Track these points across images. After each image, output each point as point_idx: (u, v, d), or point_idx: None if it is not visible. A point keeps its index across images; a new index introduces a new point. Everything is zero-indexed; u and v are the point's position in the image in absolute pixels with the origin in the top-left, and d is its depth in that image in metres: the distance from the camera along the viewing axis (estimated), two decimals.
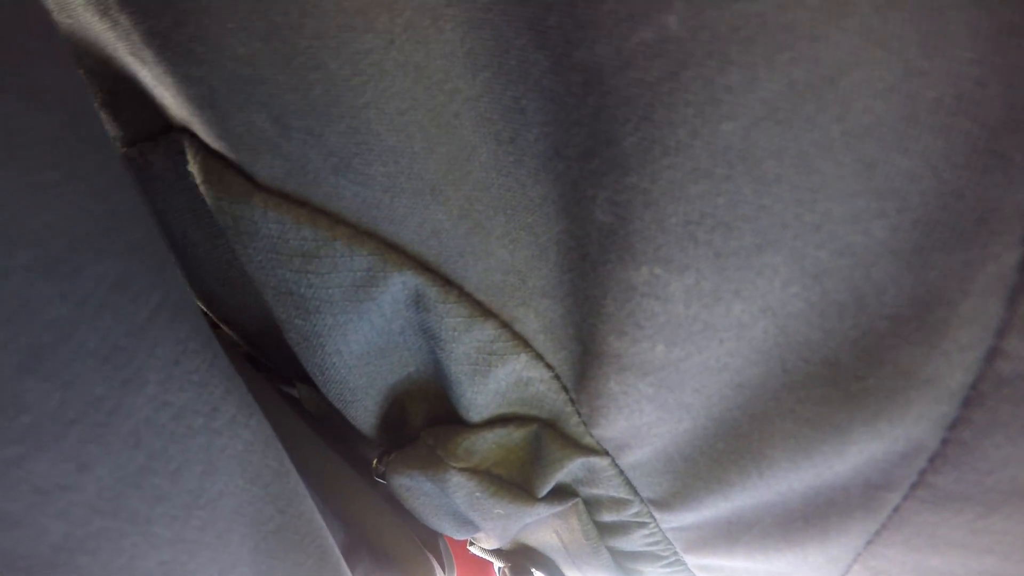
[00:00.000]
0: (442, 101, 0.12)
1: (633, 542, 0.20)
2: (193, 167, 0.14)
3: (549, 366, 0.15)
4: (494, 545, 0.24)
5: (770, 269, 0.12)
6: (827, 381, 0.13)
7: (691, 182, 0.11)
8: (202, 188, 0.14)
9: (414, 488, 0.18)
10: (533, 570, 0.26)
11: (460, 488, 0.17)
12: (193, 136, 0.13)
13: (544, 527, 0.23)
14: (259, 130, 0.13)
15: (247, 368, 0.19)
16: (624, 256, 0.13)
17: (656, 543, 0.20)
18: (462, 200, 0.13)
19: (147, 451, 0.10)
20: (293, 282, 0.14)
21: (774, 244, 0.12)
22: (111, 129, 0.15)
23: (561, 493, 0.19)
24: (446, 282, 0.14)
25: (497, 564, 0.26)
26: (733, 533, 0.18)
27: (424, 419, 0.18)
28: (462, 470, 0.17)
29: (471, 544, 0.26)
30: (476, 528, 0.21)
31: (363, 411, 0.17)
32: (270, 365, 0.21)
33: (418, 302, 0.14)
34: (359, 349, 0.15)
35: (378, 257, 0.13)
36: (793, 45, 0.10)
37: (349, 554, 0.18)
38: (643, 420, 0.15)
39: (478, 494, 0.17)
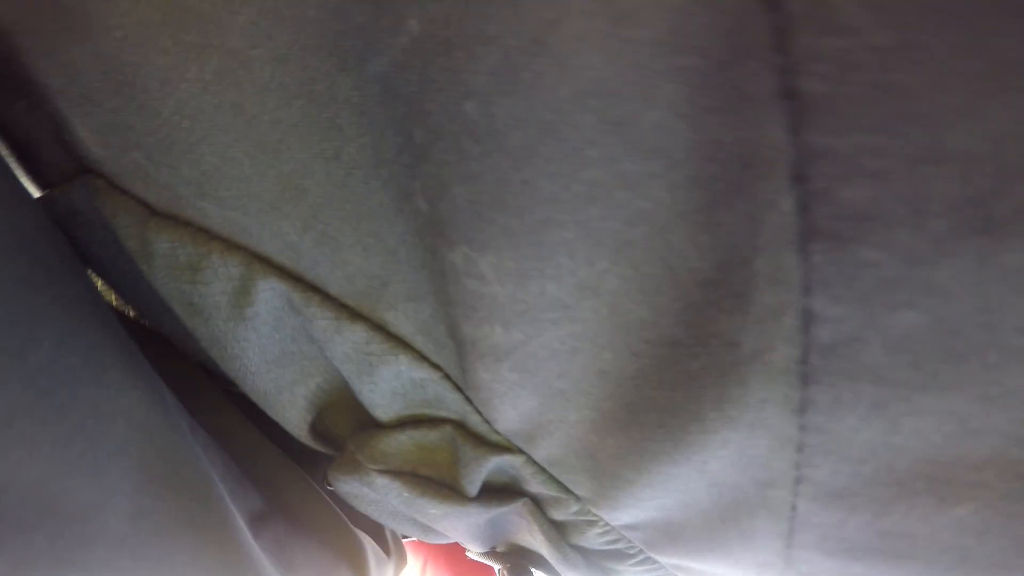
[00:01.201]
0: (264, 131, 0.13)
1: (592, 540, 0.20)
2: (101, 202, 0.16)
3: (436, 366, 0.15)
4: (476, 549, 0.24)
5: (565, 245, 0.11)
6: (671, 362, 0.12)
7: (461, 163, 0.12)
8: (110, 219, 0.16)
9: (358, 495, 0.19)
10: (533, 570, 0.26)
11: (388, 490, 0.18)
12: (99, 175, 0.15)
13: (520, 528, 0.22)
14: (141, 166, 0.15)
15: (196, 371, 0.21)
16: (443, 239, 0.13)
17: (616, 540, 0.19)
18: (304, 215, 0.14)
19: (40, 387, 0.13)
20: (188, 292, 0.15)
21: (553, 220, 0.11)
22: (37, 171, 0.18)
23: (503, 492, 0.19)
24: (308, 287, 0.14)
25: (496, 566, 0.27)
26: (671, 533, 0.17)
27: (350, 428, 0.18)
28: (383, 472, 0.18)
29: (468, 550, 0.26)
30: (434, 531, 0.21)
31: (285, 420, 0.18)
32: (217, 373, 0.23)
33: (291, 306, 0.15)
34: (256, 357, 0.16)
35: (246, 267, 0.14)
36: (495, 13, 0.10)
37: (260, 520, 0.19)
38: (527, 406, 0.15)
39: (406, 495, 0.18)
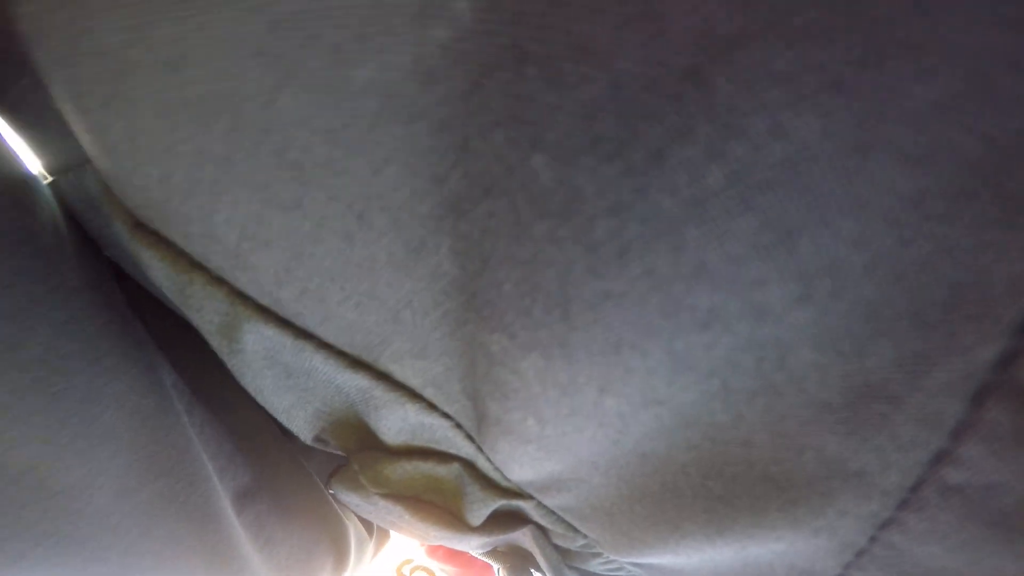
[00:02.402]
0: (190, 165, 0.10)
1: (594, 567, 0.19)
2: (102, 197, 0.14)
3: (446, 415, 0.14)
4: (476, 551, 0.24)
5: (642, 372, 0.09)
6: (740, 460, 0.11)
7: (514, 238, 0.09)
8: (110, 217, 0.14)
9: (359, 506, 0.19)
10: (533, 571, 0.26)
11: (390, 511, 0.17)
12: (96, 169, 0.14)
13: (522, 542, 0.22)
14: (111, 172, 0.13)
15: (205, 344, 0.21)
16: (477, 316, 0.11)
17: (618, 569, 0.19)
18: (274, 269, 0.12)
19: (35, 375, 0.13)
20: (185, 309, 0.14)
21: (634, 346, 0.09)
22: (46, 156, 0.16)
23: (507, 521, 0.19)
24: (300, 333, 0.13)
25: (496, 565, 0.27)
26: None
27: (355, 444, 0.18)
28: (385, 495, 0.17)
29: None
30: (435, 540, 0.21)
31: (290, 426, 0.17)
32: None
33: (285, 348, 0.14)
34: (251, 383, 0.15)
35: (230, 305, 0.13)
36: (606, 8, 0.06)
37: (245, 496, 0.20)
38: (549, 470, 0.14)
39: (407, 518, 0.17)
